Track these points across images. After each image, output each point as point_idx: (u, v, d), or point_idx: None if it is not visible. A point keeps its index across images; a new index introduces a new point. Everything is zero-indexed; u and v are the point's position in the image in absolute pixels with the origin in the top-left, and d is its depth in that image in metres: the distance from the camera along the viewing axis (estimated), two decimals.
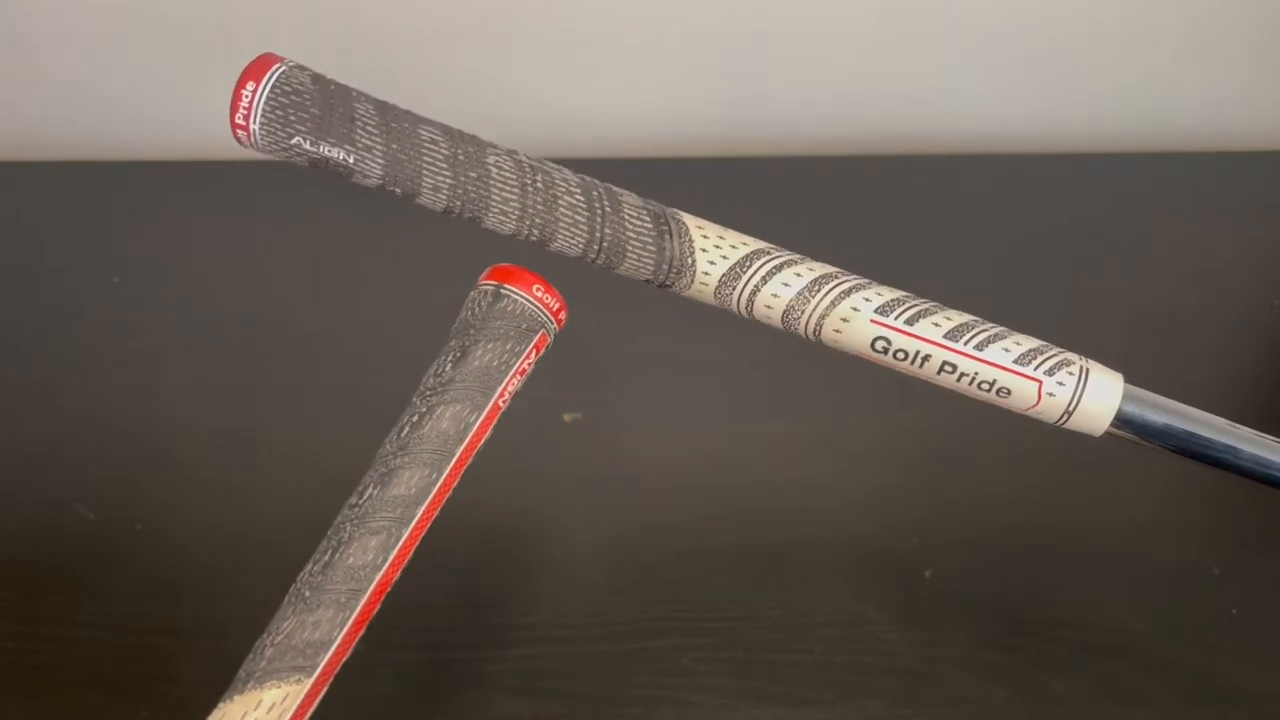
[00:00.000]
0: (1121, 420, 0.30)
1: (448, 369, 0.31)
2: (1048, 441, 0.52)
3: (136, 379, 0.54)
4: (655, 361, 0.55)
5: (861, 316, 0.31)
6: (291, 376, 0.55)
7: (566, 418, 0.52)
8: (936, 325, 0.31)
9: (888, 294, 0.31)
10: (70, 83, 0.67)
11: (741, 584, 0.46)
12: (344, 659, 0.29)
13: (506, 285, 0.32)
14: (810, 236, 0.62)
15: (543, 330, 0.32)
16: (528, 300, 0.32)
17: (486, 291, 0.32)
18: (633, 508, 0.49)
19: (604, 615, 0.45)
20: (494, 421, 0.31)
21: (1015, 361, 0.30)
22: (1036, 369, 0.31)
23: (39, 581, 0.46)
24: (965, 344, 0.31)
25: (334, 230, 0.62)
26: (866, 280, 0.31)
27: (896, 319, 0.31)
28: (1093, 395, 0.30)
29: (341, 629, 0.29)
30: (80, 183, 0.65)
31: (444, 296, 0.53)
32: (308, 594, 0.29)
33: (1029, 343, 0.31)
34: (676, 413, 0.53)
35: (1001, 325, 0.32)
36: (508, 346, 0.31)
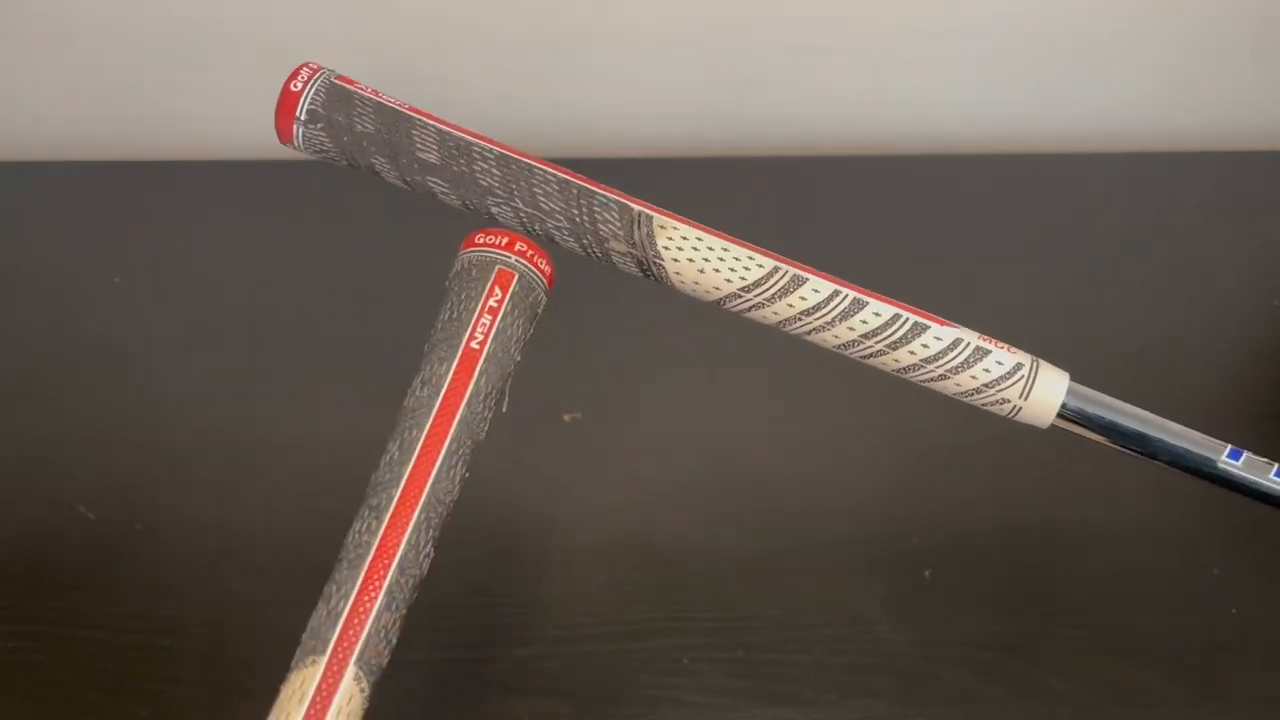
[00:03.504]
0: (1067, 412, 0.33)
1: (429, 342, 0.33)
2: (1048, 442, 0.52)
3: (136, 379, 0.54)
4: (656, 362, 0.55)
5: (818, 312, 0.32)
6: (292, 376, 0.55)
7: (566, 418, 0.52)
8: (878, 315, 0.33)
9: (837, 288, 0.33)
10: (70, 83, 0.67)
11: (741, 584, 0.46)
12: (379, 641, 0.29)
13: (466, 248, 0.34)
14: (810, 237, 0.62)
15: (499, 266, 0.33)
16: (482, 250, 0.33)
17: (456, 260, 0.34)
18: (633, 508, 0.49)
19: (604, 615, 0.45)
20: (475, 368, 0.32)
21: (971, 355, 0.33)
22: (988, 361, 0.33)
23: (39, 581, 0.46)
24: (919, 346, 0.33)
25: (334, 230, 0.62)
26: (808, 273, 0.33)
27: (848, 317, 0.33)
28: (1040, 390, 0.33)
29: (346, 601, 0.29)
30: (80, 183, 0.65)
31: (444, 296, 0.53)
32: (327, 582, 0.30)
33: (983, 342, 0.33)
34: (676, 412, 0.53)
35: (972, 326, 0.33)
36: (467, 291, 0.33)
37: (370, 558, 0.30)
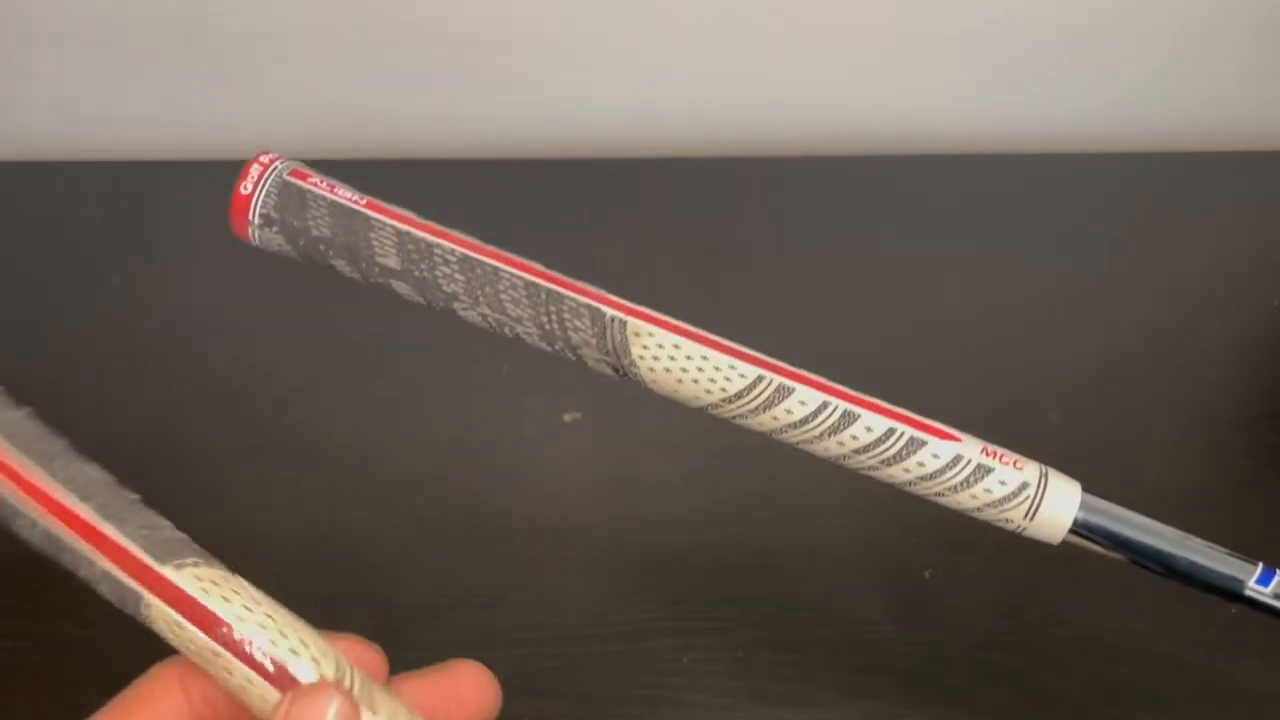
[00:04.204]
0: (1079, 529, 0.31)
1: None
2: (1047, 442, 0.52)
3: (136, 379, 0.54)
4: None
5: (799, 429, 0.31)
6: (292, 376, 0.55)
7: (566, 418, 0.52)
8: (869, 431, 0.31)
9: (826, 399, 0.31)
10: (70, 82, 0.67)
11: (742, 584, 0.46)
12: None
13: None
14: (810, 237, 0.62)
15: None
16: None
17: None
18: (633, 508, 0.49)
19: (604, 615, 0.45)
20: None
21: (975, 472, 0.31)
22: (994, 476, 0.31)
23: (39, 581, 0.46)
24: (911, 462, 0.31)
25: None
26: (797, 381, 0.31)
27: (841, 430, 0.31)
28: (1048, 510, 0.31)
29: None
30: (80, 183, 0.65)
31: None
32: None
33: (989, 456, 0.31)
34: (676, 412, 0.53)
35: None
36: None
37: None
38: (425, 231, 0.32)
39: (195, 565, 0.27)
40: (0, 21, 0.64)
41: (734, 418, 0.31)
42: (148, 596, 0.26)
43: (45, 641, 0.44)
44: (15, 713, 0.42)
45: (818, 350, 0.59)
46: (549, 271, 0.32)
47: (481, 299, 0.31)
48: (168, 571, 0.26)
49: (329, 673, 0.26)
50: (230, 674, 0.26)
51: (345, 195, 0.32)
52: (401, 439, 0.51)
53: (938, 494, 0.31)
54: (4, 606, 0.45)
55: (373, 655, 0.28)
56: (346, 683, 0.26)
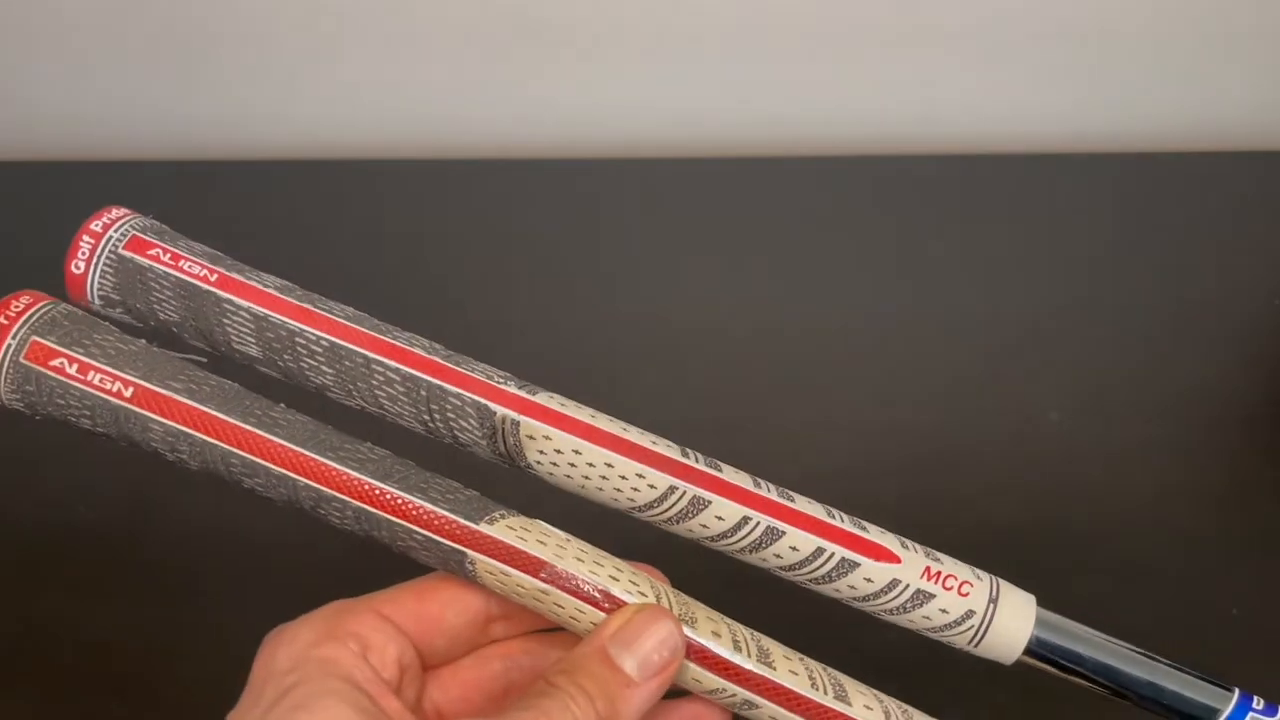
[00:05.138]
0: (1034, 653, 0.29)
1: None
2: (1048, 442, 0.52)
3: None
4: (655, 361, 0.55)
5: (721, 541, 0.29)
6: None
7: None
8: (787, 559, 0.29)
9: (747, 514, 0.28)
10: (71, 82, 0.67)
11: (742, 584, 0.46)
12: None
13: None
14: (809, 236, 0.62)
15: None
16: None
17: None
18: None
19: None
20: None
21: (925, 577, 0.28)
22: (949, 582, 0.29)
23: (39, 581, 0.46)
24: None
25: (334, 229, 0.62)
26: (715, 494, 0.28)
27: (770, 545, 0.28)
28: (996, 636, 0.28)
29: None
30: (81, 183, 0.65)
31: (444, 295, 0.53)
32: None
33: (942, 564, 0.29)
34: (676, 412, 0.53)
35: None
36: None
37: None
38: (287, 314, 0.27)
39: (504, 517, 0.28)
40: (1, 22, 0.64)
41: (653, 523, 0.28)
42: (471, 554, 0.28)
43: (45, 641, 0.44)
44: (15, 713, 0.42)
45: (818, 350, 0.59)
46: (431, 357, 0.27)
47: (355, 393, 0.28)
48: (484, 527, 0.28)
49: (647, 593, 0.28)
50: (560, 608, 0.28)
51: (193, 269, 0.27)
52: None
53: (879, 613, 0.29)
54: (4, 607, 0.45)
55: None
56: (664, 601, 0.28)
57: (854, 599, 0.28)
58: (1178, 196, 0.65)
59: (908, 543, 0.29)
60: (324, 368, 0.27)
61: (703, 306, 0.57)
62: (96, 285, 0.27)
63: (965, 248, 0.62)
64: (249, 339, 0.27)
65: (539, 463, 0.28)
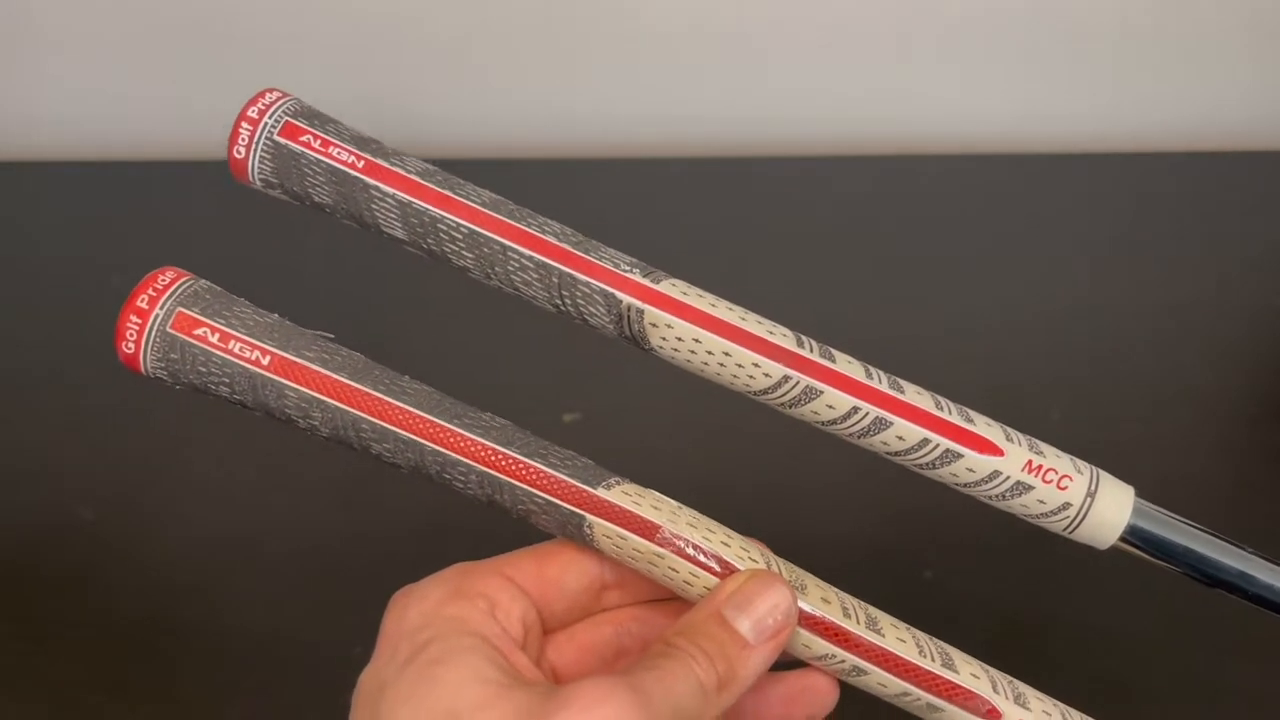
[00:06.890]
0: (1129, 539, 0.31)
1: None
2: (1047, 442, 0.52)
3: (136, 379, 0.54)
4: (655, 361, 0.55)
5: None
6: None
7: (566, 418, 0.52)
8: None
9: (856, 404, 0.30)
10: (71, 82, 0.67)
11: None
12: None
13: None
14: (809, 237, 0.62)
15: None
16: None
17: None
18: None
19: None
20: None
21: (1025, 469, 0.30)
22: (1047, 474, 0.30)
23: (39, 582, 0.46)
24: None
25: (333, 230, 0.62)
26: (825, 383, 0.30)
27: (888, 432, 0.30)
28: (1094, 521, 0.30)
29: None
30: (80, 183, 0.65)
31: (442, 295, 0.53)
32: None
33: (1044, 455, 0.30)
34: (676, 412, 0.53)
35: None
36: None
37: None
38: (429, 201, 0.29)
39: (620, 483, 0.29)
40: (1, 22, 0.64)
41: (769, 405, 0.30)
42: (590, 518, 0.29)
43: (45, 641, 0.44)
44: (15, 713, 0.42)
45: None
46: (562, 245, 0.29)
47: (494, 276, 0.29)
48: (601, 492, 0.29)
49: (758, 560, 0.29)
50: (675, 572, 0.29)
51: (341, 155, 0.29)
52: None
53: (979, 498, 0.31)
54: (4, 607, 0.45)
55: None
56: (775, 568, 0.29)
57: (956, 484, 0.30)
58: (1178, 196, 0.65)
59: (1013, 434, 0.30)
60: (464, 252, 0.29)
61: None
62: (256, 170, 0.30)
63: (965, 247, 0.62)
64: (395, 223, 0.29)
65: (661, 348, 0.30)
